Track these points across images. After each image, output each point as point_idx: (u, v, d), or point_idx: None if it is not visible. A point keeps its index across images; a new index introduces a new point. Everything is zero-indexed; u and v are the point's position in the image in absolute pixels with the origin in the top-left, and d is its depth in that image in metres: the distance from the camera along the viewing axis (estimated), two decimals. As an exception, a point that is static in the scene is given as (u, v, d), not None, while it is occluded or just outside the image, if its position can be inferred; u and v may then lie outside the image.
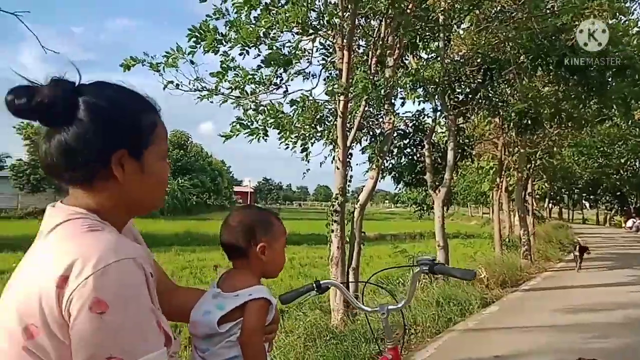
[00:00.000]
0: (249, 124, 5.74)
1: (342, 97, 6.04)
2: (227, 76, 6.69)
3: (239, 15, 6.48)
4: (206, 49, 6.56)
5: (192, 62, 6.56)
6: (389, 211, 68.96)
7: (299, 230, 24.93)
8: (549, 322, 6.51)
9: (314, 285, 1.78)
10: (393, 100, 8.80)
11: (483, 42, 8.69)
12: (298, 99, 5.98)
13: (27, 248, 0.95)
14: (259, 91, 6.93)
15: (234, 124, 5.67)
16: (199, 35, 6.50)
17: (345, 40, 6.19)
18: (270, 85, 7.07)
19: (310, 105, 7.73)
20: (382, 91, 6.49)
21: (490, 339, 5.69)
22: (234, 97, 6.81)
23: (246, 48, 6.46)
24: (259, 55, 6.64)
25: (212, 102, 6.83)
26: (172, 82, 6.56)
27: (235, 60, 6.74)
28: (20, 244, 19.42)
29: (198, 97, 6.83)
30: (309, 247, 19.19)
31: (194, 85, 6.68)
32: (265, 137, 5.76)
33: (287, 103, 6.03)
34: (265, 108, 5.96)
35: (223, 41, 6.53)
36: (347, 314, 6.29)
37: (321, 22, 6.62)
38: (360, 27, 7.05)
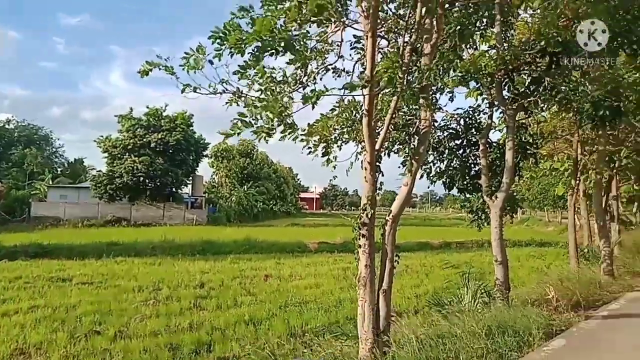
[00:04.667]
0: (252, 121, 5.06)
1: (365, 91, 5.21)
2: (248, 74, 6.12)
3: (266, 9, 5.89)
4: (231, 50, 6.04)
5: (210, 62, 6.05)
6: (458, 216, 65.70)
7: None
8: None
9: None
10: (438, 95, 7.81)
11: (548, 20, 7.40)
12: (310, 94, 5.18)
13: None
14: (284, 92, 6.31)
15: (235, 121, 5.02)
16: (222, 36, 5.99)
17: (369, 25, 5.36)
18: (296, 84, 6.45)
19: (347, 106, 6.97)
20: (417, 83, 5.57)
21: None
22: (260, 100, 6.24)
23: (275, 48, 5.84)
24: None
25: (239, 105, 6.32)
26: (189, 85, 6.08)
27: (262, 61, 6.18)
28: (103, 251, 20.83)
29: (227, 102, 6.33)
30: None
31: (213, 89, 6.18)
32: (266, 139, 5.05)
33: (300, 100, 5.24)
34: (268, 102, 5.23)
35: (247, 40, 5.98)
36: (377, 344, 5.42)
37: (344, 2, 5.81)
38: (389, 10, 6.17)
